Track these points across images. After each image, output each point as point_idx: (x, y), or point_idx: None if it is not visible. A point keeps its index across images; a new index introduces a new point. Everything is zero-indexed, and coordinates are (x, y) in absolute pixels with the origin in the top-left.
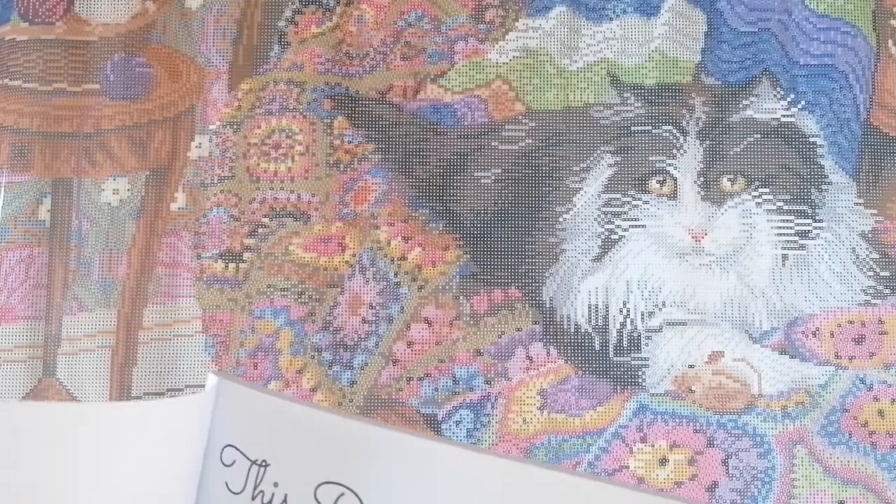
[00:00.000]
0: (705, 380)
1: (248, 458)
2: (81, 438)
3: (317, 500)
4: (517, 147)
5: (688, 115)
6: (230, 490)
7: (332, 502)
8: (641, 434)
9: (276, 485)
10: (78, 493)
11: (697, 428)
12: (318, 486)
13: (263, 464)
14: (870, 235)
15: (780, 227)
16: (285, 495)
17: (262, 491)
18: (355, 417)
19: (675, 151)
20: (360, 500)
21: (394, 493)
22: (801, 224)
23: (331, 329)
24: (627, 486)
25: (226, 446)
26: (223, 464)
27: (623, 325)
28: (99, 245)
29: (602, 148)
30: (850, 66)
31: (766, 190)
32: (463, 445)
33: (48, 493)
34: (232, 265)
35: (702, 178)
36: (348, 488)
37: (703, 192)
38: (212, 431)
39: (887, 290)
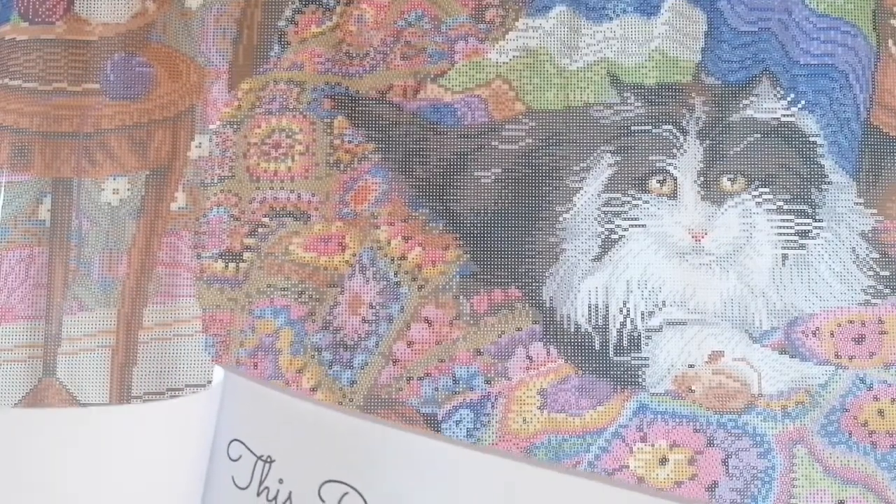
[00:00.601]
0: (705, 379)
1: (253, 454)
2: (90, 434)
3: (321, 498)
4: (517, 147)
5: (688, 115)
6: (236, 485)
7: (336, 501)
8: (641, 434)
9: (280, 481)
10: (86, 490)
11: (697, 427)
12: (323, 484)
13: (269, 460)
14: (870, 235)
15: (780, 227)
16: (290, 492)
17: (267, 487)
18: (362, 416)
19: (675, 151)
20: (364, 500)
21: (399, 494)
22: (801, 224)
23: (331, 329)
24: (640, 489)
25: (232, 441)
26: (230, 458)
27: (623, 324)
28: (99, 245)
29: (602, 147)
30: (850, 65)
31: (766, 189)
32: (470, 446)
33: (55, 492)
34: (232, 265)
35: (702, 178)
36: (353, 488)
37: (703, 192)
38: (219, 425)
39: (887, 290)
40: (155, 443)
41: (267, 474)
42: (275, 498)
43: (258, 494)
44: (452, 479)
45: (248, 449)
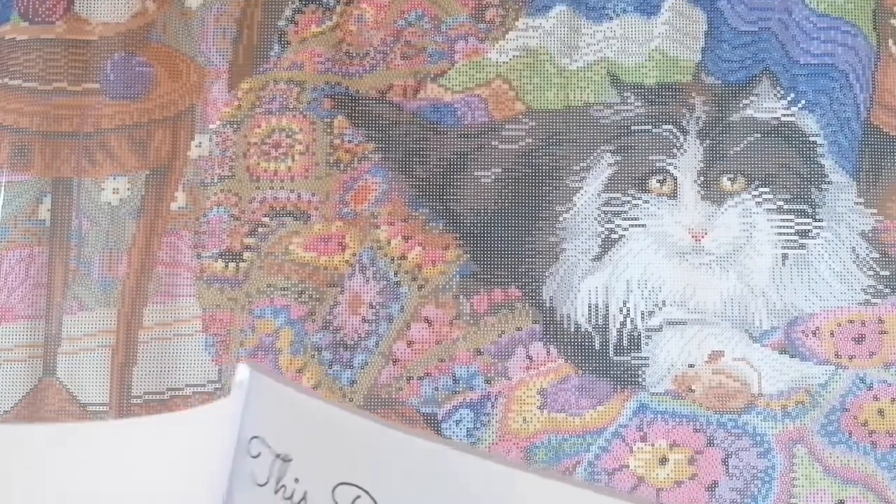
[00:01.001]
0: (705, 379)
1: (272, 451)
2: (113, 430)
3: (334, 500)
4: (517, 146)
5: (688, 115)
6: (256, 481)
7: None
8: (641, 433)
9: (297, 480)
10: (107, 487)
11: (697, 427)
12: (336, 486)
13: (286, 458)
14: (870, 235)
15: (780, 227)
16: (305, 492)
17: (284, 485)
18: (379, 421)
19: (675, 151)
20: None
21: (413, 500)
22: (801, 223)
23: (331, 328)
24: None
25: (253, 437)
26: (250, 455)
27: (623, 324)
28: (99, 244)
29: (602, 147)
30: (850, 65)
31: (767, 189)
32: (488, 456)
33: (80, 490)
34: (232, 264)
35: (702, 178)
36: (366, 491)
37: (703, 192)
38: (242, 422)
39: (887, 290)
40: (181, 437)
41: (284, 473)
42: (290, 496)
43: (276, 492)
44: (466, 486)
45: (268, 446)
